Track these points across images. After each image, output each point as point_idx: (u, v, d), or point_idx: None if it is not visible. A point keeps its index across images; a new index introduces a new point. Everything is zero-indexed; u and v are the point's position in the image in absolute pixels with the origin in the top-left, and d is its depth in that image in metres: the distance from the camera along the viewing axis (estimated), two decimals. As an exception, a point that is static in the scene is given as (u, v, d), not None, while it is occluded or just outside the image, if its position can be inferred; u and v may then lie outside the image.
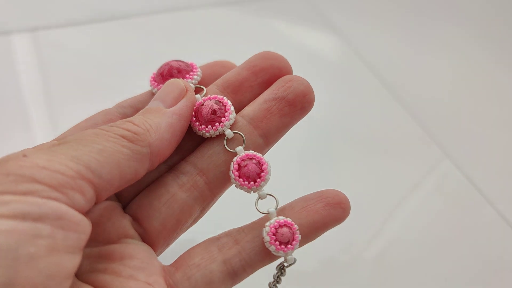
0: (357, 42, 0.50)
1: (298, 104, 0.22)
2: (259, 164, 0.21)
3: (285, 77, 0.23)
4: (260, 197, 0.22)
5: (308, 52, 0.49)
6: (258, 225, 0.21)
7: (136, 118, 0.20)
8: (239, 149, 0.22)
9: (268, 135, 0.22)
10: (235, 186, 0.22)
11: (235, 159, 0.21)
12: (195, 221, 0.23)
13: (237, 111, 0.23)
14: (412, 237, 0.33)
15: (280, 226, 0.21)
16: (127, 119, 0.20)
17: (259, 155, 0.21)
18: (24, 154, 0.16)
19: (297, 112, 0.22)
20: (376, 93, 0.45)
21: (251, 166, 0.21)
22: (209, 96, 0.22)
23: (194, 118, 0.22)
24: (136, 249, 0.20)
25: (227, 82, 0.23)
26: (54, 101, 0.39)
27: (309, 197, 0.22)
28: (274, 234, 0.20)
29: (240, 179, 0.21)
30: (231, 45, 0.48)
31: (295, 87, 0.22)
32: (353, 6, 0.56)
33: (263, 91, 0.23)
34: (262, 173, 0.21)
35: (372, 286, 0.31)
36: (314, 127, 0.40)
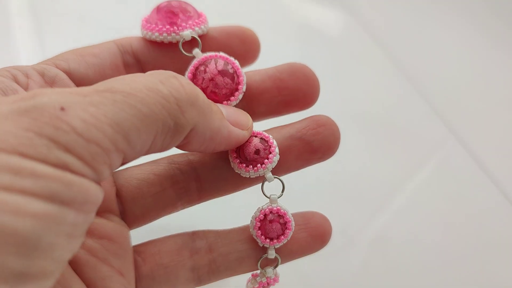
0: (365, 18, 0.48)
1: (319, 153, 0.21)
2: (285, 226, 0.21)
3: (320, 118, 0.21)
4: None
5: (312, 26, 0.47)
6: (235, 233, 0.21)
7: (202, 93, 0.17)
8: (273, 197, 0.21)
9: (278, 170, 0.22)
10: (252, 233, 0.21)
11: (264, 207, 0.21)
12: None
13: None
14: (415, 216, 0.33)
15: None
16: (196, 87, 0.17)
17: (288, 215, 0.21)
18: (62, 106, 0.14)
19: (314, 160, 0.21)
20: (383, 70, 0.44)
21: (276, 226, 0.21)
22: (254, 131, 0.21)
23: (235, 153, 0.21)
24: (117, 230, 0.20)
25: (248, 85, 0.22)
26: (47, 52, 0.38)
27: (296, 221, 0.21)
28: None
29: (259, 233, 0.21)
30: (234, 17, 0.45)
31: (324, 136, 0.21)
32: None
33: (280, 109, 0.22)
34: (284, 234, 0.21)
35: (371, 266, 0.30)
36: (318, 103, 0.39)
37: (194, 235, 0.21)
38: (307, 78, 0.21)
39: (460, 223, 0.33)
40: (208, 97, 0.19)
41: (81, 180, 0.14)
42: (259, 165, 0.20)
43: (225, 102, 0.21)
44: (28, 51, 0.37)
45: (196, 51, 0.22)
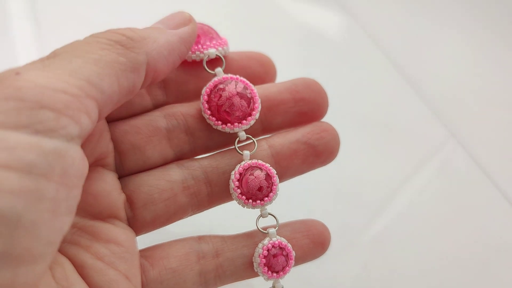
0: (365, 20, 0.48)
1: (323, 157, 0.22)
2: (288, 257, 0.21)
3: (322, 124, 0.23)
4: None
5: (313, 29, 0.47)
6: (241, 239, 0.22)
7: (132, 27, 0.18)
8: (272, 232, 0.21)
9: (283, 175, 0.22)
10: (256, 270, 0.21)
11: (266, 242, 0.21)
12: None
13: (264, 129, 0.23)
14: (415, 217, 0.33)
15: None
16: (125, 27, 0.18)
17: (289, 246, 0.21)
18: (16, 71, 0.14)
19: (317, 164, 0.22)
20: (383, 71, 0.44)
21: (281, 259, 0.21)
22: (258, 161, 0.21)
23: (237, 182, 0.21)
24: (123, 234, 0.20)
25: (265, 96, 0.22)
26: (42, 26, 0.37)
27: (297, 227, 0.22)
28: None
29: (265, 269, 0.21)
30: (233, 19, 0.45)
31: (327, 140, 0.22)
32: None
33: (295, 119, 0.23)
34: (288, 264, 0.21)
35: (372, 266, 0.30)
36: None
37: (200, 240, 0.22)
38: (320, 91, 0.23)
39: (460, 225, 0.33)
40: (220, 116, 0.21)
41: (58, 144, 0.13)
42: (258, 201, 0.21)
43: (236, 124, 0.21)
44: (27, 54, 0.37)
45: (219, 70, 0.22)
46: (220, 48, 0.22)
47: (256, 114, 0.22)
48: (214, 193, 0.22)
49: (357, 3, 0.50)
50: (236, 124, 0.21)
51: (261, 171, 0.21)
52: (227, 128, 0.21)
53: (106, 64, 0.16)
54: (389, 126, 0.39)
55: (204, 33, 0.23)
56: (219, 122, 0.21)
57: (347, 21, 0.48)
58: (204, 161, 0.22)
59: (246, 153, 0.21)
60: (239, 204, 0.21)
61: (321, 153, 0.22)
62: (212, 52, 0.22)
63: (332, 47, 0.45)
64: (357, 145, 0.37)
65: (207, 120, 0.21)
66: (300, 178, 0.23)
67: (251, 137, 0.22)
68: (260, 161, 0.21)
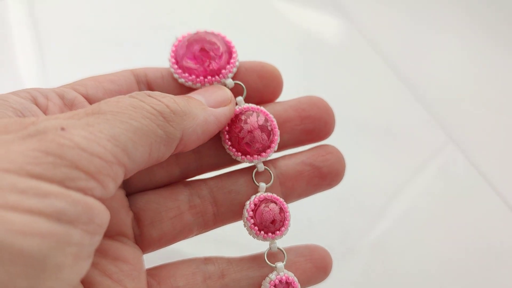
0: (363, 24, 0.48)
1: (328, 179, 0.22)
2: None
3: (328, 147, 0.23)
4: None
5: (312, 34, 0.47)
6: (246, 261, 0.22)
7: (178, 97, 0.19)
8: (280, 266, 0.21)
9: (288, 196, 0.23)
10: None
11: (273, 277, 0.21)
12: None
13: None
14: (414, 221, 0.33)
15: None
16: (168, 94, 0.18)
17: (296, 281, 0.21)
18: (62, 126, 0.15)
19: (323, 187, 0.23)
20: (381, 76, 0.44)
21: None
22: (273, 195, 0.21)
23: (251, 212, 0.21)
24: (131, 252, 0.20)
25: (271, 114, 0.22)
26: (47, 62, 0.38)
27: (300, 251, 0.22)
28: None
29: None
30: (230, 24, 0.45)
31: (332, 163, 0.22)
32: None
33: (301, 137, 0.23)
34: None
35: (372, 271, 0.31)
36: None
37: (206, 261, 0.22)
38: (326, 108, 0.23)
39: (459, 229, 0.33)
40: (240, 148, 0.21)
41: (86, 198, 0.14)
42: (270, 233, 0.21)
43: (255, 156, 0.22)
44: (27, 61, 0.37)
45: (240, 99, 0.22)
46: (234, 69, 0.22)
47: (275, 146, 0.22)
48: (219, 213, 0.22)
49: (355, 8, 0.50)
50: (255, 156, 0.21)
51: (276, 205, 0.21)
52: (246, 160, 0.22)
53: (144, 134, 0.16)
54: (388, 130, 0.39)
55: (214, 50, 0.22)
56: (239, 154, 0.22)
57: (345, 26, 0.48)
58: (211, 181, 0.22)
59: (262, 185, 0.22)
60: (250, 235, 0.21)
61: (326, 175, 0.22)
62: (230, 83, 0.22)
63: (331, 52, 0.45)
64: (356, 150, 0.37)
65: (227, 150, 0.22)
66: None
67: (268, 169, 0.22)
68: (275, 195, 0.21)
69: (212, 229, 0.22)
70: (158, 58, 0.35)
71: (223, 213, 0.22)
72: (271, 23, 0.47)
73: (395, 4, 0.52)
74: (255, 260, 0.22)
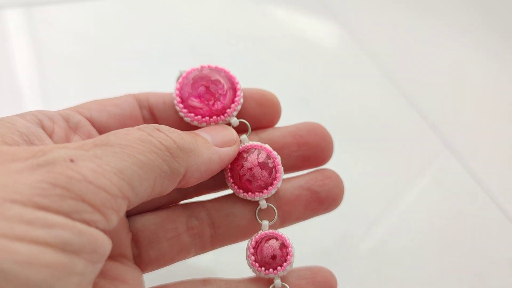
0: (357, 30, 0.49)
1: (325, 204, 0.22)
2: None
3: (326, 171, 0.23)
4: None
5: (307, 40, 0.47)
6: (245, 283, 0.22)
7: (185, 133, 0.19)
8: (277, 283, 0.21)
9: (286, 220, 0.23)
10: None
11: None
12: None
13: None
14: (410, 229, 0.33)
15: None
16: (176, 130, 0.19)
17: None
18: (71, 158, 0.15)
19: (320, 210, 0.23)
20: (377, 83, 0.44)
21: None
22: (274, 232, 0.22)
23: (252, 249, 0.21)
24: (130, 273, 0.20)
25: (268, 140, 0.23)
26: (47, 79, 0.38)
27: (302, 274, 0.22)
28: None
29: None
30: (228, 31, 0.46)
31: (330, 188, 0.22)
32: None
33: (298, 163, 0.23)
34: None
35: (368, 278, 0.30)
36: (313, 116, 0.39)
37: (205, 283, 0.22)
38: (324, 135, 0.23)
39: (455, 236, 0.33)
40: (242, 185, 0.21)
41: (90, 229, 0.14)
42: (271, 269, 0.21)
43: (257, 193, 0.22)
44: (25, 70, 0.38)
45: (244, 138, 0.23)
46: (239, 107, 0.23)
47: (278, 184, 0.22)
48: (217, 235, 0.22)
49: (350, 14, 0.50)
50: (257, 193, 0.22)
51: (276, 241, 0.21)
52: (248, 197, 0.22)
53: (150, 169, 0.17)
54: (384, 137, 0.39)
55: (219, 89, 0.22)
56: (241, 190, 0.22)
57: (339, 31, 0.49)
58: (209, 204, 0.23)
59: (265, 223, 0.22)
60: (253, 272, 0.21)
61: (324, 199, 0.22)
62: (235, 121, 0.23)
63: (326, 58, 0.46)
64: (352, 156, 0.37)
65: (229, 187, 0.22)
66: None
67: (272, 206, 0.22)
68: (277, 231, 0.22)
69: (209, 250, 0.23)
70: (158, 72, 0.35)
71: (221, 235, 0.22)
72: (265, 28, 0.47)
73: (390, 11, 0.53)
74: (255, 282, 0.22)
